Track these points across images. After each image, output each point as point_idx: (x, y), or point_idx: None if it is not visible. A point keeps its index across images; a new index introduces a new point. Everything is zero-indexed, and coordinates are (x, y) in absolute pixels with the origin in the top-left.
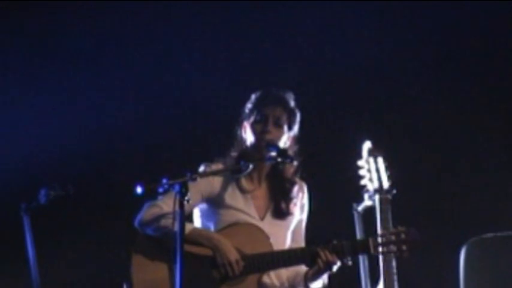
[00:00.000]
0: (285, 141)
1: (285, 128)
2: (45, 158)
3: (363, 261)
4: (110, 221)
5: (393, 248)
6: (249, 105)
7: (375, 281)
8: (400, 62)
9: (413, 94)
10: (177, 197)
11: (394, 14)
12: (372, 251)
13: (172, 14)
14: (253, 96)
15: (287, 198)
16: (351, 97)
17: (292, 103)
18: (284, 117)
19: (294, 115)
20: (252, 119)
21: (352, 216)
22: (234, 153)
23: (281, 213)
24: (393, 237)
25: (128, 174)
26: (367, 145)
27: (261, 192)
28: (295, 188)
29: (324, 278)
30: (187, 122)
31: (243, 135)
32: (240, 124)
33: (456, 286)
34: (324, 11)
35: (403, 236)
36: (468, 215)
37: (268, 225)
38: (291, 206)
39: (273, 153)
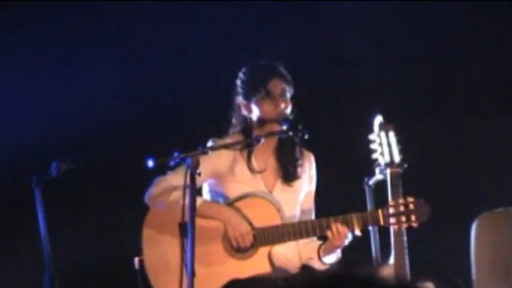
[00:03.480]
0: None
1: (289, 97)
2: (56, 131)
3: (373, 235)
4: (121, 194)
5: (403, 218)
6: (244, 83)
7: (386, 255)
8: (412, 33)
9: (425, 68)
10: (189, 171)
11: None
12: (382, 222)
13: None
14: (245, 73)
15: (294, 162)
16: (362, 71)
17: (284, 70)
18: (287, 88)
19: (291, 82)
20: (256, 97)
21: (363, 190)
22: (237, 130)
23: (289, 176)
24: (402, 208)
25: (139, 148)
26: (378, 119)
27: (270, 166)
28: (303, 158)
29: (338, 252)
30: (199, 96)
31: (244, 113)
32: (237, 103)
33: (467, 260)
34: None
35: (412, 206)
36: (480, 189)
37: (278, 196)
38: (299, 170)
39: (285, 127)
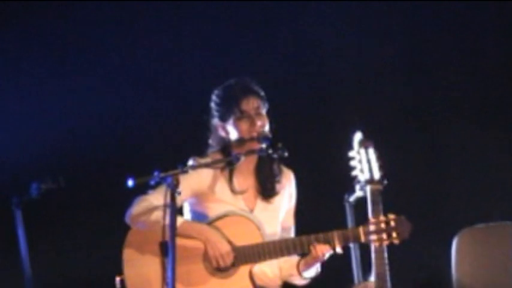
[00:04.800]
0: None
1: (264, 112)
2: (36, 151)
3: (354, 252)
4: (102, 214)
5: (384, 235)
6: (217, 105)
7: (367, 271)
8: (390, 50)
9: (403, 83)
10: (169, 190)
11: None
12: (363, 239)
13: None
14: (217, 95)
15: (272, 179)
16: (341, 87)
17: (256, 86)
18: (261, 104)
19: (264, 97)
20: (231, 118)
21: (343, 207)
22: (215, 150)
23: (267, 193)
24: (383, 225)
25: (119, 167)
26: (358, 136)
27: (250, 185)
28: (283, 176)
29: (317, 266)
30: (178, 116)
31: (222, 134)
32: (213, 125)
33: (448, 276)
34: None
35: (393, 223)
36: (459, 205)
37: (258, 214)
38: (277, 186)
39: (264, 145)
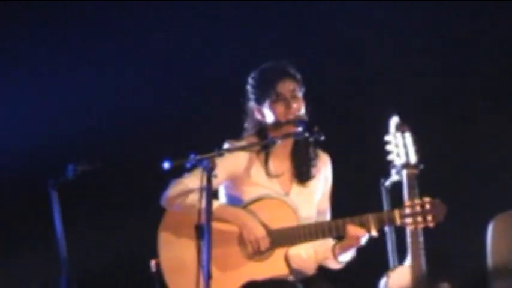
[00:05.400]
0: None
1: (300, 96)
2: (72, 133)
3: (390, 235)
4: (138, 196)
5: (419, 218)
6: (253, 88)
7: (403, 255)
8: (427, 34)
9: (441, 68)
10: (205, 173)
11: None
12: (398, 222)
13: None
14: (253, 77)
15: (308, 163)
16: (378, 71)
17: (292, 69)
18: (297, 87)
19: (301, 80)
20: (267, 101)
21: (379, 191)
22: (251, 133)
23: (303, 177)
24: (418, 208)
25: (156, 149)
26: (394, 120)
27: (286, 169)
28: (319, 159)
29: (353, 251)
30: (215, 99)
31: (258, 117)
32: (250, 108)
33: (484, 261)
34: None
35: (428, 206)
36: (496, 190)
37: (294, 198)
38: (312, 170)
39: (300, 129)
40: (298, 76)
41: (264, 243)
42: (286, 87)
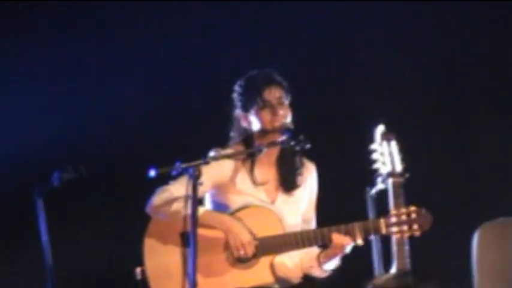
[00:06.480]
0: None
1: (287, 103)
2: (57, 140)
3: (375, 244)
4: (123, 204)
5: (405, 227)
6: (240, 95)
7: (388, 264)
8: (412, 41)
9: (426, 75)
10: (191, 180)
11: None
12: (384, 231)
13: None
14: (240, 85)
15: (294, 171)
16: (364, 80)
17: (279, 76)
18: (283, 95)
19: (287, 87)
20: (253, 108)
21: (365, 200)
22: (237, 141)
23: (289, 186)
24: (404, 217)
25: (142, 157)
26: (380, 129)
27: (271, 177)
28: (304, 168)
29: (337, 259)
30: (201, 107)
31: (244, 125)
32: (235, 116)
33: (469, 270)
34: None
35: (414, 215)
36: (482, 199)
37: (279, 206)
38: (298, 178)
39: (286, 137)
40: (285, 84)
41: (250, 249)
42: (273, 94)
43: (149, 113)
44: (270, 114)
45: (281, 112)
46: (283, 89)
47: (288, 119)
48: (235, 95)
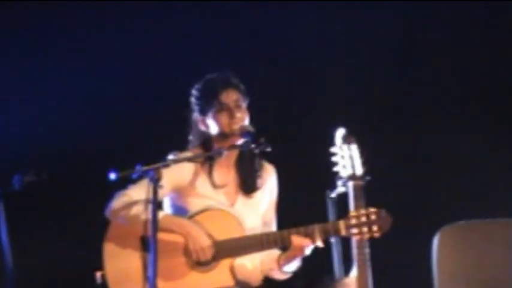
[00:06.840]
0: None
1: (244, 106)
2: (18, 143)
3: (336, 246)
4: (85, 207)
5: (364, 229)
6: (197, 99)
7: (349, 267)
8: (371, 45)
9: (386, 79)
10: (151, 184)
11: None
12: (343, 232)
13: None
14: (197, 88)
15: (253, 174)
16: (324, 83)
17: (236, 79)
18: (240, 97)
19: (244, 90)
20: (211, 111)
21: (325, 203)
22: (196, 144)
23: (248, 188)
24: (364, 219)
25: (102, 161)
26: (340, 132)
27: (231, 179)
28: (264, 170)
29: (298, 261)
30: (160, 110)
31: (202, 128)
32: (193, 119)
33: (429, 273)
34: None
35: (373, 216)
36: (442, 202)
37: (239, 209)
38: (258, 181)
39: (247, 140)
40: (242, 87)
41: (209, 252)
42: (230, 97)
43: (109, 116)
44: (228, 117)
45: (238, 115)
46: (240, 92)
47: (246, 121)
48: (192, 99)
